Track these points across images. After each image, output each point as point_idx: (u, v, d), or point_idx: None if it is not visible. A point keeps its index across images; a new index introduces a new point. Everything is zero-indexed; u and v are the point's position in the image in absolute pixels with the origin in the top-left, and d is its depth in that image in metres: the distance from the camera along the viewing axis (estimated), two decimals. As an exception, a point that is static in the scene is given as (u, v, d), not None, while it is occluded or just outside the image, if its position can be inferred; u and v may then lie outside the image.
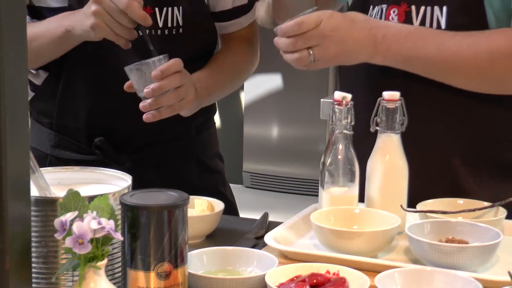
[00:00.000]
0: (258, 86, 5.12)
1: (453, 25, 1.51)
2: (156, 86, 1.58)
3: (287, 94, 5.17)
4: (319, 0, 1.77)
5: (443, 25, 1.52)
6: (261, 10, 1.52)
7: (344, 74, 1.76)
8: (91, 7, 1.55)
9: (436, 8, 1.53)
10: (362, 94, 1.58)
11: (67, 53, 1.71)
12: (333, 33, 1.45)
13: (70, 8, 1.69)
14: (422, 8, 1.55)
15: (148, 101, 1.60)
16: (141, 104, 1.61)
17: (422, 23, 1.55)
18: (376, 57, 1.50)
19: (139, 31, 1.60)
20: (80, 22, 1.60)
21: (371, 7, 1.63)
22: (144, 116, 1.62)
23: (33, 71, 1.81)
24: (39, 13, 1.75)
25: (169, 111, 1.64)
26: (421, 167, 1.57)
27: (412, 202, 1.49)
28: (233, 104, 5.19)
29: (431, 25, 1.54)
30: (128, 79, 1.62)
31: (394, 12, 1.58)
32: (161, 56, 1.61)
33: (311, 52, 1.45)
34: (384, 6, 1.60)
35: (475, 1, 1.50)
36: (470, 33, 1.49)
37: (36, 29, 1.66)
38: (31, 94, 1.84)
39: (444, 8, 1.52)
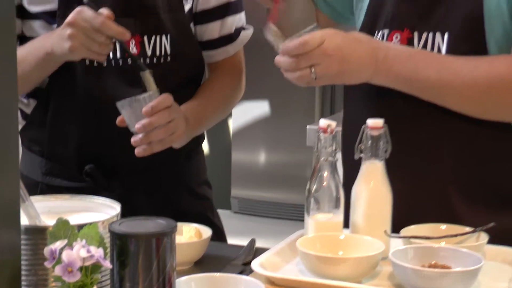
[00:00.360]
0: (245, 112, 5.12)
1: (453, 51, 1.51)
2: (147, 122, 1.59)
3: (274, 121, 5.17)
4: (320, 22, 1.77)
5: (443, 52, 1.52)
6: (268, 35, 1.52)
7: (349, 96, 1.74)
8: (66, 30, 1.56)
9: (438, 35, 1.53)
10: (364, 117, 1.58)
11: (54, 81, 1.72)
12: (335, 52, 1.44)
13: None
14: (424, 34, 1.54)
15: (139, 136, 1.61)
16: (132, 139, 1.62)
17: (423, 49, 1.55)
18: (377, 77, 1.50)
19: (117, 43, 1.61)
20: (58, 45, 1.60)
21: (376, 32, 1.62)
22: (135, 150, 1.63)
23: (24, 100, 1.81)
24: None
25: (160, 145, 1.65)
26: (416, 191, 1.57)
27: (406, 225, 1.49)
28: (221, 130, 5.18)
29: (431, 51, 1.53)
30: (119, 112, 1.62)
31: (396, 37, 1.57)
32: (151, 92, 1.62)
33: (313, 70, 1.45)
34: (386, 31, 1.59)
35: (476, 28, 1.49)
36: (471, 58, 1.48)
37: (20, 53, 1.66)
38: (22, 123, 1.83)
39: (446, 35, 1.51)
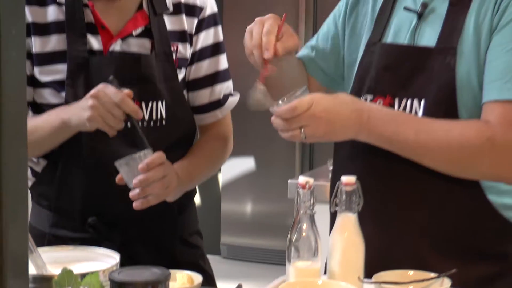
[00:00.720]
0: (233, 167, 5.13)
1: (429, 116, 1.51)
2: (143, 178, 1.60)
3: (258, 175, 5.18)
4: (311, 87, 1.77)
5: (420, 116, 1.53)
6: (257, 94, 1.52)
7: (338, 153, 1.73)
8: (88, 101, 1.57)
9: (416, 101, 1.53)
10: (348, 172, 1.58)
11: (63, 144, 1.72)
12: (322, 114, 1.44)
13: (66, 103, 1.70)
14: (404, 100, 1.54)
15: (137, 190, 1.62)
16: (130, 194, 1.62)
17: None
18: (361, 135, 1.50)
19: (128, 122, 1.61)
20: (76, 115, 1.61)
21: (361, 96, 1.62)
22: (133, 204, 1.63)
23: (34, 160, 1.80)
24: (40, 109, 1.76)
25: (155, 199, 1.65)
26: (389, 241, 1.56)
27: (378, 271, 1.48)
28: (211, 184, 5.19)
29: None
30: (118, 171, 1.63)
31: (379, 103, 1.57)
32: (145, 150, 1.63)
33: (302, 131, 1.45)
34: (370, 97, 1.59)
35: (449, 97, 1.49)
36: (446, 122, 1.48)
37: (36, 122, 1.67)
38: (32, 180, 1.83)
39: (422, 102, 1.52)
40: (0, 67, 0.79)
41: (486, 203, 1.53)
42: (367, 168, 1.55)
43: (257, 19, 1.54)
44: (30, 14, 1.70)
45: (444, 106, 1.49)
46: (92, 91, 1.58)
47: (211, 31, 1.85)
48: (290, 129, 1.46)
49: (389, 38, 1.61)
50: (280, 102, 1.48)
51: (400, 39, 1.59)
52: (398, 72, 1.56)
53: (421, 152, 1.49)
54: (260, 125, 5.09)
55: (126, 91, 1.59)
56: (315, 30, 4.96)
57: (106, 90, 1.57)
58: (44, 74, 1.72)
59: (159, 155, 1.64)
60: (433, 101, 1.50)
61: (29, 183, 1.82)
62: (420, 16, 1.56)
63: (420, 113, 1.53)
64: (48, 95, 1.74)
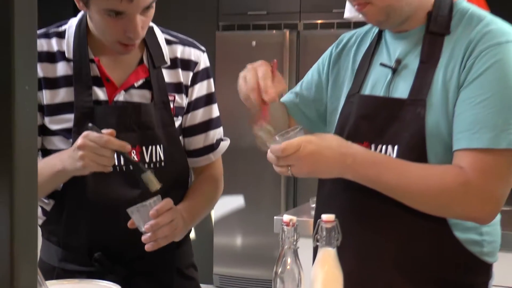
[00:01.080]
0: (224, 205, 5.13)
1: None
2: (154, 223, 1.61)
3: (247, 211, 5.17)
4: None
5: None
6: (264, 133, 1.52)
7: (320, 192, 1.73)
8: (77, 152, 1.55)
9: (390, 147, 1.53)
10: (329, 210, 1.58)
11: (68, 186, 1.71)
12: (308, 156, 1.44)
13: None
14: (379, 146, 1.55)
15: (148, 234, 1.62)
16: (143, 238, 1.63)
17: None
18: (345, 175, 1.49)
19: (121, 157, 1.60)
20: (71, 164, 1.59)
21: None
22: (145, 246, 1.63)
23: (45, 200, 1.79)
24: (49, 154, 1.74)
25: (165, 240, 1.66)
26: (366, 274, 1.55)
27: None
28: (205, 220, 5.16)
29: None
30: (122, 210, 1.62)
31: None
32: (155, 198, 1.63)
33: (289, 169, 1.46)
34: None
35: (419, 144, 1.49)
36: (424, 167, 1.47)
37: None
38: (42, 218, 1.81)
39: (396, 148, 1.52)
40: (14, 120, 0.78)
41: (452, 239, 1.52)
42: (346, 205, 1.55)
43: (248, 65, 1.54)
44: (41, 70, 1.71)
45: (415, 152, 1.49)
46: (78, 142, 1.55)
47: (204, 83, 1.86)
48: (279, 166, 1.47)
49: (367, 90, 1.62)
50: (277, 137, 1.48)
51: (376, 91, 1.60)
52: (374, 120, 1.56)
53: (401, 194, 1.49)
54: (249, 167, 5.10)
55: (109, 131, 1.57)
56: (297, 78, 5.00)
57: (90, 137, 1.55)
58: (53, 123, 1.72)
59: (167, 202, 1.65)
60: (405, 148, 1.50)
61: (40, 221, 1.80)
62: (395, 71, 1.57)
63: (394, 157, 1.53)
64: (57, 142, 1.74)
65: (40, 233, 1.80)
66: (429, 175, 1.46)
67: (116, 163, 1.71)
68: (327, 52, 1.80)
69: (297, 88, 1.84)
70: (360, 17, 4.51)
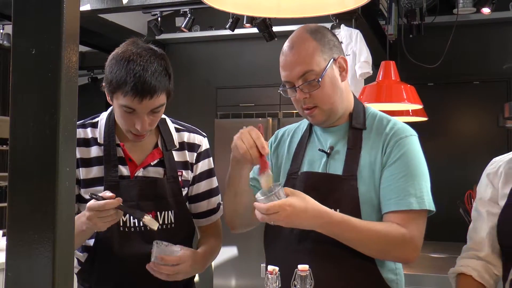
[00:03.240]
0: (222, 253, 5.03)
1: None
2: (153, 264, 1.59)
3: (240, 260, 5.10)
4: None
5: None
6: (268, 179, 1.50)
7: (268, 247, 1.71)
8: (90, 222, 1.51)
9: (333, 210, 1.53)
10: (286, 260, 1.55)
11: (98, 241, 1.67)
12: (286, 217, 1.43)
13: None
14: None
15: (151, 266, 1.60)
16: (147, 264, 1.60)
17: None
18: (316, 229, 1.49)
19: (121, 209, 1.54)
20: (89, 229, 1.55)
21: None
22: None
23: (80, 253, 1.75)
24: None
25: (182, 276, 1.64)
26: None
27: None
28: (207, 266, 5.10)
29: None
30: (141, 260, 1.60)
31: None
32: (178, 248, 1.61)
33: (272, 222, 1.46)
34: None
35: (355, 208, 1.54)
36: (374, 224, 1.51)
37: None
38: (78, 267, 1.77)
39: (338, 210, 1.53)
40: (57, 193, 0.78)
41: (379, 277, 1.57)
42: (310, 253, 1.55)
43: (241, 130, 1.54)
44: (78, 152, 1.71)
45: (353, 214, 1.52)
46: (86, 214, 1.50)
47: (206, 161, 1.87)
48: (263, 220, 1.46)
49: (305, 168, 1.65)
50: (259, 194, 1.46)
51: (314, 169, 1.64)
52: (319, 190, 1.58)
53: (357, 244, 1.51)
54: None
55: (109, 194, 1.52)
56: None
57: (92, 207, 1.50)
58: (87, 193, 1.70)
59: (180, 259, 1.62)
60: (345, 209, 1.53)
61: (76, 270, 1.75)
62: (328, 155, 1.63)
63: None
64: None
65: (76, 279, 1.75)
66: (378, 230, 1.50)
67: (135, 224, 1.68)
68: (269, 143, 1.80)
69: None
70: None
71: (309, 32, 1.61)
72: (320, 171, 1.62)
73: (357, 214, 1.52)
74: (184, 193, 1.80)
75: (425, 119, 3.80)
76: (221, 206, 1.90)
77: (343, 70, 1.62)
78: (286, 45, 1.62)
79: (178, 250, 1.61)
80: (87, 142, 1.73)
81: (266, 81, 5.37)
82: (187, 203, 1.83)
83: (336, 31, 4.28)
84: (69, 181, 0.80)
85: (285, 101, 5.28)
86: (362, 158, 1.58)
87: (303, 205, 1.45)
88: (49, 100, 0.77)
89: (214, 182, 1.89)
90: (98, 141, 1.73)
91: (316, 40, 1.59)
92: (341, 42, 4.27)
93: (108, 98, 1.67)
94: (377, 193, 1.55)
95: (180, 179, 1.78)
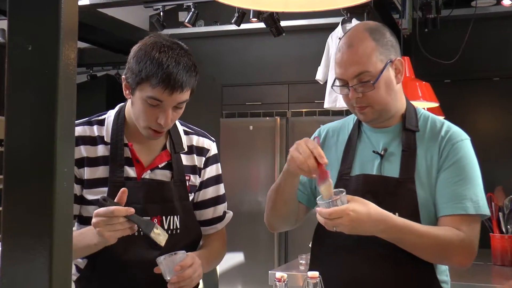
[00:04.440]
0: (227, 260, 5.06)
1: None
2: (180, 276, 1.57)
3: (246, 266, 5.10)
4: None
5: None
6: (329, 187, 1.49)
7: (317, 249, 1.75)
8: (95, 230, 1.51)
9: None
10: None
11: (100, 250, 1.67)
12: (349, 222, 1.45)
13: None
14: None
15: (173, 284, 1.57)
16: (169, 285, 1.58)
17: None
18: (377, 235, 1.52)
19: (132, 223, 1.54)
20: (98, 240, 1.54)
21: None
22: None
23: (80, 259, 1.75)
24: (85, 221, 1.72)
25: (188, 286, 1.61)
26: None
27: None
28: (211, 273, 5.08)
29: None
30: (143, 268, 1.58)
31: None
32: (181, 253, 1.59)
33: (334, 229, 1.47)
34: None
35: (414, 212, 1.57)
36: (434, 229, 1.55)
37: (75, 235, 1.60)
38: (76, 274, 1.76)
39: (396, 214, 1.55)
40: (54, 196, 0.79)
41: (435, 279, 1.62)
42: (369, 258, 1.59)
43: (297, 142, 1.56)
44: (84, 151, 1.71)
45: (412, 218, 1.55)
46: (93, 221, 1.50)
47: (214, 166, 1.87)
48: (326, 224, 1.47)
49: (357, 170, 1.68)
50: (324, 202, 1.47)
51: (367, 171, 1.66)
52: (377, 194, 1.60)
53: (418, 250, 1.55)
54: (247, 229, 5.06)
55: (120, 195, 1.53)
56: (286, 156, 5.02)
57: (100, 213, 1.50)
58: (90, 194, 1.70)
59: (191, 257, 1.60)
60: (404, 213, 1.56)
61: (74, 277, 1.76)
62: (382, 156, 1.66)
63: None
64: (92, 210, 1.70)
65: (74, 287, 1.76)
66: (439, 235, 1.54)
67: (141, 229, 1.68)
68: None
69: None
70: (337, 107, 4.53)
71: (369, 31, 1.63)
72: (374, 173, 1.65)
73: (416, 219, 1.56)
74: (190, 198, 1.80)
75: (441, 117, 3.79)
76: (227, 215, 1.90)
77: (398, 72, 1.65)
78: (343, 41, 1.64)
79: (184, 252, 1.61)
80: (93, 140, 1.73)
81: (274, 78, 5.37)
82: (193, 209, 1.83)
83: (347, 26, 4.28)
84: (67, 182, 0.81)
85: (294, 100, 5.29)
86: (418, 160, 1.62)
87: (365, 210, 1.47)
88: (46, 99, 0.78)
89: (221, 189, 1.89)
90: (105, 139, 1.73)
91: (375, 40, 1.61)
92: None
93: (126, 92, 1.67)
94: (433, 196, 1.60)
95: (187, 184, 1.79)
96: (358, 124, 1.75)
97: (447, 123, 1.69)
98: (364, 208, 1.47)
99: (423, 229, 1.54)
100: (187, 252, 1.72)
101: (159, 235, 1.55)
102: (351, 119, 1.80)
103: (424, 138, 1.65)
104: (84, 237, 1.61)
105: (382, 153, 1.66)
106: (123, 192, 1.55)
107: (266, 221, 1.82)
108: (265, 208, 1.81)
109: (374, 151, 1.67)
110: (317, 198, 1.49)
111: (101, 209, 1.50)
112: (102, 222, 1.49)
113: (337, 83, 1.65)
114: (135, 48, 1.66)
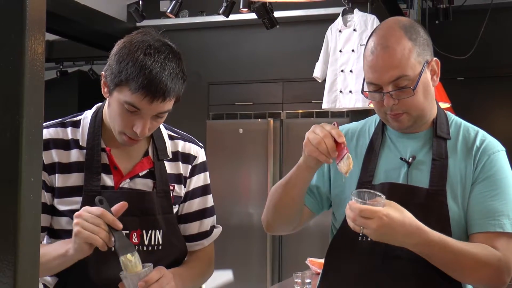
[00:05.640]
0: (215, 279, 5.05)
1: None
2: (160, 284, 1.57)
3: (236, 286, 5.11)
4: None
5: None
6: (350, 161, 1.52)
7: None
8: (74, 220, 1.53)
9: None
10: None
11: (73, 265, 1.66)
12: (380, 227, 1.45)
13: None
14: None
15: None
16: None
17: None
18: (407, 247, 1.52)
19: (113, 238, 1.54)
20: (72, 245, 1.55)
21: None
22: None
23: (47, 278, 1.74)
24: (56, 234, 1.72)
25: None
26: None
27: None
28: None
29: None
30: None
31: None
32: (147, 268, 1.58)
33: (362, 229, 1.46)
34: None
35: (445, 227, 1.58)
36: (470, 246, 1.56)
37: (44, 249, 1.61)
38: (44, 294, 1.77)
39: None
40: (19, 209, 0.78)
41: None
42: (396, 273, 1.60)
43: (315, 125, 1.59)
44: (56, 155, 1.70)
45: (443, 232, 1.56)
46: (76, 213, 1.54)
47: (201, 176, 1.87)
48: (354, 222, 1.47)
49: (381, 179, 1.68)
50: (355, 194, 1.49)
51: (392, 180, 1.67)
52: (404, 205, 1.57)
53: (453, 267, 1.56)
54: (237, 244, 5.06)
55: (118, 205, 1.55)
56: (281, 162, 5.03)
57: (87, 209, 1.53)
58: (62, 204, 1.70)
59: (157, 272, 1.59)
60: (434, 229, 1.55)
61: (40, 299, 1.75)
62: (410, 164, 1.66)
63: None
64: (64, 223, 1.71)
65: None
66: (474, 253, 1.55)
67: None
68: None
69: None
70: (336, 107, 4.56)
71: (403, 28, 1.62)
72: (401, 182, 1.66)
73: (447, 234, 1.57)
74: (175, 210, 1.80)
75: (454, 120, 3.81)
76: (215, 230, 1.90)
77: (434, 73, 1.66)
78: (376, 41, 1.62)
79: (151, 265, 1.60)
80: (66, 144, 1.73)
81: (267, 76, 5.38)
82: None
83: (348, 17, 4.30)
84: (34, 194, 0.80)
85: (289, 99, 5.30)
86: (449, 171, 1.63)
87: (401, 218, 1.48)
88: (10, 99, 0.77)
89: (209, 201, 1.89)
90: (80, 143, 1.73)
91: (412, 40, 1.60)
92: (355, 30, 4.29)
93: (104, 90, 1.67)
94: (465, 211, 1.62)
95: (171, 194, 1.79)
96: (382, 128, 1.75)
97: (482, 132, 1.70)
98: (400, 215, 1.48)
99: (459, 245, 1.54)
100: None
101: (130, 263, 1.54)
102: (372, 121, 1.80)
103: (456, 147, 1.67)
104: (55, 248, 1.61)
105: (410, 160, 1.66)
106: (122, 205, 1.56)
107: (265, 220, 1.81)
108: (265, 206, 1.80)
109: (401, 158, 1.68)
110: (352, 193, 1.50)
111: (92, 208, 1.52)
112: (84, 216, 1.51)
113: (367, 87, 1.65)
114: (119, 44, 1.64)
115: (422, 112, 1.64)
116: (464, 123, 1.73)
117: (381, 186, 1.66)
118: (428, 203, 1.60)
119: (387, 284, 1.61)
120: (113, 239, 1.53)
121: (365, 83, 1.65)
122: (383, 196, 1.48)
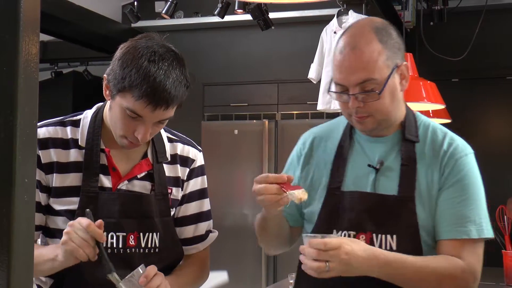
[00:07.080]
0: (209, 280, 5.03)
1: (401, 248, 1.58)
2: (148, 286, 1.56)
3: (232, 285, 5.10)
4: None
5: (394, 247, 1.58)
6: (303, 194, 1.53)
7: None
8: (66, 229, 1.54)
9: (389, 236, 1.59)
10: None
11: (68, 268, 1.66)
12: (345, 255, 1.45)
13: None
14: (379, 235, 1.60)
15: None
16: None
17: (380, 245, 1.59)
18: (370, 274, 1.52)
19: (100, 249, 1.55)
20: (61, 250, 1.55)
21: (334, 231, 1.64)
22: None
23: (43, 279, 1.74)
24: (52, 233, 1.72)
25: None
26: None
27: None
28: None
29: (386, 248, 1.58)
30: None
31: (362, 237, 1.61)
32: (139, 268, 1.58)
33: (327, 264, 1.45)
34: (353, 233, 1.62)
35: (414, 234, 1.58)
36: (431, 260, 1.56)
37: (37, 252, 1.61)
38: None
39: (394, 236, 1.58)
40: (13, 210, 0.78)
41: None
42: None
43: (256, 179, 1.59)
44: (55, 154, 1.70)
45: (412, 241, 1.58)
46: (69, 222, 1.54)
47: (199, 179, 1.87)
48: (318, 258, 1.46)
49: (350, 186, 1.67)
50: (305, 235, 1.52)
51: (361, 188, 1.66)
52: (374, 214, 1.61)
53: (417, 285, 1.56)
54: (232, 244, 5.06)
55: (98, 222, 1.55)
56: (276, 163, 5.03)
57: (79, 220, 1.53)
58: (58, 204, 1.69)
59: (152, 268, 1.60)
60: (403, 237, 1.58)
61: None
62: (377, 171, 1.65)
63: (394, 245, 1.59)
64: (60, 222, 1.71)
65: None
66: (436, 267, 1.54)
67: (114, 245, 1.68)
68: (295, 154, 1.82)
69: None
70: (331, 109, 4.57)
71: (375, 30, 1.59)
72: (369, 190, 1.65)
73: (416, 242, 1.57)
74: (171, 213, 1.80)
75: (448, 121, 3.82)
76: (211, 234, 1.90)
77: (403, 78, 1.64)
78: (345, 41, 1.60)
79: (142, 265, 1.60)
80: (65, 144, 1.72)
81: (262, 77, 5.38)
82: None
83: (343, 19, 4.30)
84: (28, 195, 0.80)
85: (284, 101, 5.31)
86: (419, 176, 1.62)
87: (357, 245, 1.49)
88: (4, 100, 0.77)
89: (205, 205, 1.89)
90: (79, 143, 1.72)
91: (382, 43, 1.58)
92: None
93: (105, 93, 1.66)
94: (433, 217, 1.60)
95: (169, 197, 1.78)
96: (350, 132, 1.74)
97: (450, 134, 1.67)
98: (355, 243, 1.50)
99: (419, 262, 1.54)
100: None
101: (112, 278, 1.55)
102: (340, 123, 1.78)
103: (424, 151, 1.64)
104: (48, 250, 1.61)
105: (377, 167, 1.65)
106: (99, 223, 1.55)
107: (261, 246, 1.89)
108: (255, 233, 1.83)
109: (369, 165, 1.66)
110: (303, 235, 1.51)
111: (83, 220, 1.53)
112: (74, 227, 1.51)
113: (334, 87, 1.63)
114: (123, 48, 1.63)
115: (387, 116, 1.62)
116: (432, 124, 1.70)
117: (351, 195, 1.65)
118: (397, 211, 1.59)
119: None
120: (97, 254, 1.54)
121: (332, 82, 1.63)
122: (334, 235, 1.50)
